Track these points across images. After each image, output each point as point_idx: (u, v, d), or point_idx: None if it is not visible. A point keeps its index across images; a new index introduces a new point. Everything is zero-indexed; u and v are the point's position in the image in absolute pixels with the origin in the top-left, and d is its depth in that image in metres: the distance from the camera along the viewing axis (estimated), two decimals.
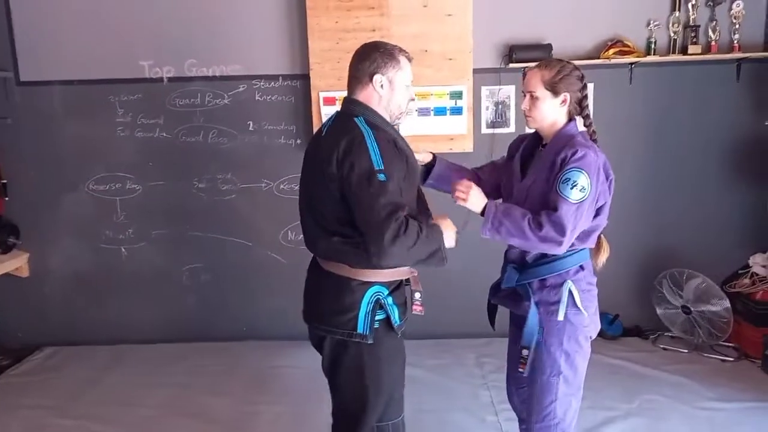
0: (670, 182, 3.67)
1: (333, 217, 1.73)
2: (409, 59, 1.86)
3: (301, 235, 3.58)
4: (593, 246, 1.94)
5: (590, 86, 3.41)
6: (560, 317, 1.84)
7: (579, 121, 1.89)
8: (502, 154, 3.35)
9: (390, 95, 1.81)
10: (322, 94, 3.46)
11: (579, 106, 1.88)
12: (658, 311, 3.57)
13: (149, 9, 3.55)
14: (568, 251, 1.83)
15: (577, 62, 3.28)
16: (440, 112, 3.47)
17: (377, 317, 1.76)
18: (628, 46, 3.44)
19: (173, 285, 3.82)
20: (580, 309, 1.85)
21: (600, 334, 3.36)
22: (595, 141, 1.89)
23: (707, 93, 3.56)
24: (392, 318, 1.78)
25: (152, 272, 3.81)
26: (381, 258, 1.63)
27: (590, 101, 3.17)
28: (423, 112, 3.46)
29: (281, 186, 3.71)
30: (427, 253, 1.69)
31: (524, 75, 1.94)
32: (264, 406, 2.93)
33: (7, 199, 3.70)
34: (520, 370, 1.89)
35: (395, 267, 1.75)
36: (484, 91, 3.59)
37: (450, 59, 3.41)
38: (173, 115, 3.67)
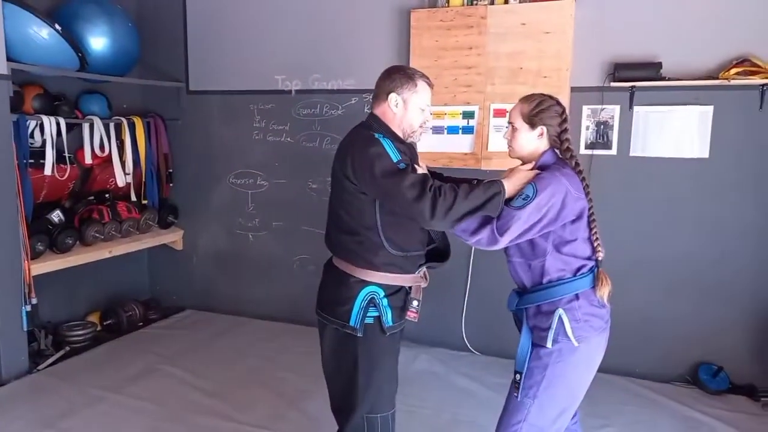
0: None
1: (345, 216, 1.92)
2: (429, 85, 2.01)
3: None
4: (589, 277, 1.89)
5: (709, 110, 3.17)
6: (548, 344, 1.86)
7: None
8: (600, 176, 3.28)
9: (403, 114, 1.96)
10: None
11: (558, 139, 1.93)
12: None
13: (285, 31, 4.10)
14: (561, 279, 1.87)
15: (693, 83, 3.09)
16: None
17: (369, 314, 1.91)
18: (758, 65, 3.04)
19: (285, 271, 4.34)
20: (570, 338, 1.84)
21: (701, 387, 3.14)
22: (578, 169, 1.90)
23: None
24: (383, 318, 1.92)
25: (270, 258, 4.37)
26: (433, 226, 1.82)
27: (707, 126, 3.19)
28: None
29: None
30: (473, 206, 1.78)
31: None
32: (325, 389, 3.22)
33: (171, 185, 4.56)
34: (514, 394, 1.93)
35: (452, 228, 1.84)
36: (585, 110, 3.45)
37: (545, 77, 3.36)
38: (297, 123, 4.18)
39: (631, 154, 3.38)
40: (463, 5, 3.50)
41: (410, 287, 1.99)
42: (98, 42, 3.75)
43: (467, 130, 3.56)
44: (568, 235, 1.85)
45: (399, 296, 1.97)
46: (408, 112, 1.95)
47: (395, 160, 1.82)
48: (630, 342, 3.40)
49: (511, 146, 1.97)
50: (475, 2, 3.48)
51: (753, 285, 3.22)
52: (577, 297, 1.86)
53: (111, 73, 3.91)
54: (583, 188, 1.88)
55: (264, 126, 4.28)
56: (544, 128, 1.90)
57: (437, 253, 2.09)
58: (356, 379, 1.95)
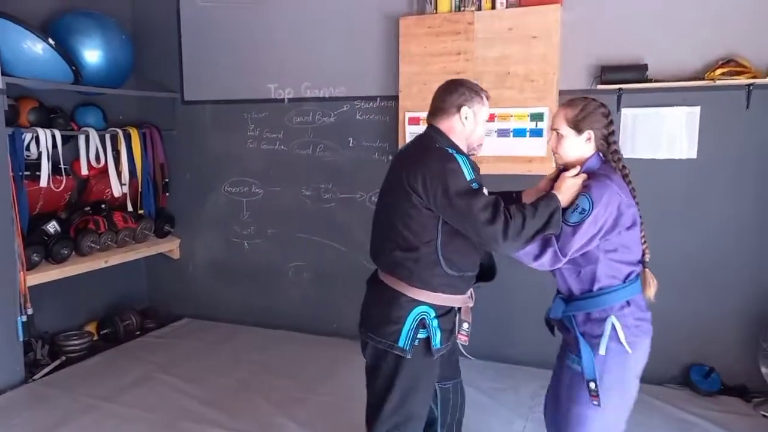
0: None
1: (404, 230, 1.85)
2: (488, 98, 2.00)
3: None
4: (637, 282, 1.89)
5: (696, 110, 3.18)
6: (601, 351, 1.83)
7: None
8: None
9: (473, 127, 1.95)
10: (408, 114, 3.68)
11: (605, 142, 1.90)
12: (763, 370, 3.07)
13: (277, 40, 4.15)
14: (611, 287, 1.84)
15: (679, 84, 3.10)
16: (520, 133, 3.45)
17: (419, 335, 1.86)
18: (743, 66, 3.04)
19: (281, 279, 4.36)
20: (623, 345, 1.82)
21: (692, 388, 3.14)
22: (624, 173, 1.89)
23: None
24: (432, 340, 1.87)
25: (266, 265, 4.40)
26: (503, 249, 1.78)
27: (695, 128, 3.14)
28: (502, 133, 3.48)
29: (373, 198, 4.01)
30: (541, 224, 1.77)
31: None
32: (316, 396, 3.25)
33: (167, 194, 4.60)
34: (594, 402, 1.86)
35: (519, 251, 1.82)
36: None
37: (532, 81, 3.38)
38: (290, 131, 4.21)
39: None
40: (450, 11, 3.53)
41: (459, 308, 1.96)
42: (92, 55, 3.81)
43: None
44: (621, 242, 1.82)
45: (449, 318, 1.92)
46: (478, 125, 1.95)
47: (469, 179, 1.79)
48: None
49: (557, 153, 1.93)
50: (462, 8, 3.51)
51: (744, 285, 3.21)
52: (628, 303, 1.84)
53: (105, 85, 3.96)
54: (630, 192, 1.86)
55: (258, 134, 4.32)
56: (591, 132, 1.87)
57: (484, 271, 2.05)
58: (388, 395, 1.91)
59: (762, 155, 3.15)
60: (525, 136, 3.44)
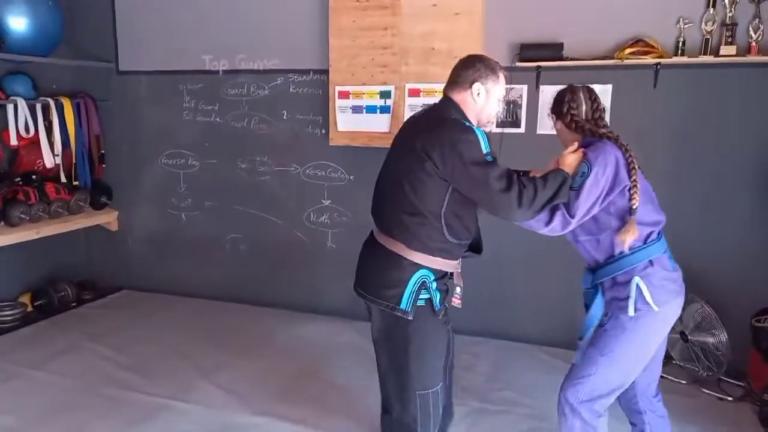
0: (698, 199, 3.31)
1: (411, 195, 1.89)
2: (507, 77, 2.06)
3: (321, 218, 3.95)
4: (659, 242, 1.97)
5: (608, 88, 3.31)
6: (630, 312, 1.91)
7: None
8: (510, 153, 3.40)
9: (485, 104, 1.99)
10: (338, 88, 3.73)
11: (575, 125, 2.05)
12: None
13: (211, 10, 4.13)
14: (632, 248, 1.93)
15: (592, 62, 3.22)
16: None
17: (421, 296, 1.92)
18: (651, 46, 3.18)
19: (218, 251, 4.41)
20: (650, 304, 1.90)
21: None
22: (615, 139, 1.99)
23: (747, 101, 3.14)
24: (434, 301, 1.94)
25: (203, 238, 4.44)
26: (515, 216, 1.86)
27: (608, 106, 3.25)
28: None
29: (307, 171, 4.08)
30: (551, 194, 1.87)
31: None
32: (242, 362, 3.34)
33: (104, 166, 4.57)
34: (573, 361, 2.03)
35: (532, 218, 1.91)
36: None
37: (455, 57, 3.39)
38: (226, 103, 4.22)
39: (539, 131, 3.51)
40: None
41: (452, 273, 2.03)
42: (17, 22, 3.74)
43: (384, 109, 3.65)
44: (628, 203, 1.91)
45: (443, 281, 2.00)
46: (489, 102, 1.99)
47: (485, 152, 1.85)
48: (529, 311, 3.64)
49: (561, 141, 2.14)
50: None
51: None
52: (651, 263, 1.93)
53: (33, 53, 3.90)
54: (626, 158, 1.93)
55: (193, 106, 4.32)
56: (557, 120, 2.09)
57: (472, 245, 2.13)
58: (408, 360, 1.97)
59: (668, 132, 3.31)
60: None
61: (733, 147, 3.20)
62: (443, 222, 1.90)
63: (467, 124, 1.91)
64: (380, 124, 3.68)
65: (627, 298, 1.91)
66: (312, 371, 3.24)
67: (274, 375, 3.17)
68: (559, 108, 2.09)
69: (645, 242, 1.94)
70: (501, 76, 2.01)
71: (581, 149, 1.99)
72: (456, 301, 2.02)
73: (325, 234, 4.10)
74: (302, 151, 4.07)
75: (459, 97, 1.99)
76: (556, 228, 1.93)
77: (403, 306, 1.90)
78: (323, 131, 3.95)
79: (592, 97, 2.06)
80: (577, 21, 3.35)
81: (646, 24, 3.23)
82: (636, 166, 1.93)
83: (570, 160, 1.97)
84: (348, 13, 3.63)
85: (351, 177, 3.99)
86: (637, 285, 1.90)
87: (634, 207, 1.91)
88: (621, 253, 1.93)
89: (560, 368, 3.23)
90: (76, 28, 4.38)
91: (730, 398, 2.98)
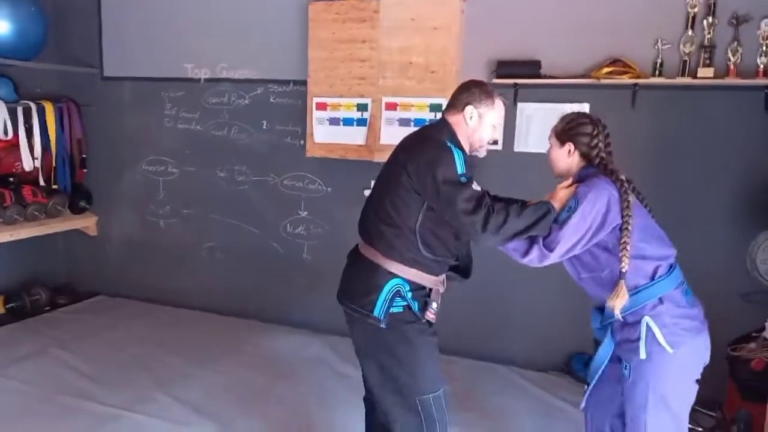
0: (674, 222, 3.20)
1: (390, 208, 1.91)
2: (504, 103, 2.06)
3: (298, 229, 3.90)
4: (669, 277, 1.86)
5: (585, 107, 3.26)
6: (642, 355, 1.80)
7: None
8: (487, 171, 3.34)
9: (477, 128, 1.98)
10: (316, 99, 3.70)
11: (588, 156, 1.96)
12: None
13: (194, 20, 4.13)
14: (638, 286, 1.83)
15: (569, 81, 3.18)
16: (420, 123, 3.48)
17: (396, 304, 1.90)
18: (628, 66, 3.13)
19: (195, 259, 4.37)
20: (663, 346, 1.79)
21: (573, 376, 3.25)
22: (614, 177, 1.89)
23: (727, 123, 3.08)
24: (413, 307, 1.92)
25: (180, 245, 4.41)
26: (482, 240, 1.83)
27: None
28: (404, 122, 3.52)
29: (285, 182, 4.05)
30: (524, 225, 1.82)
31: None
32: (204, 373, 3.29)
33: (85, 170, 4.56)
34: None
35: (502, 245, 1.89)
36: None
37: (432, 72, 3.43)
38: (207, 111, 4.21)
39: (516, 149, 3.47)
40: None
41: (431, 289, 1.99)
42: None
43: (361, 122, 3.62)
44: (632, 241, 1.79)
45: (421, 294, 1.96)
46: (481, 126, 1.99)
47: (459, 172, 1.84)
48: (513, 333, 3.55)
49: (551, 161, 2.05)
50: None
51: None
52: (661, 301, 1.81)
53: (14, 56, 3.90)
54: (620, 196, 1.82)
55: (175, 114, 4.31)
56: (572, 145, 1.96)
57: (460, 270, 2.11)
58: (399, 367, 1.93)
59: (645, 153, 3.25)
60: None
61: (710, 170, 3.14)
62: (418, 237, 1.91)
63: (448, 143, 1.90)
64: (356, 137, 3.65)
65: (637, 339, 1.80)
66: (273, 385, 3.18)
67: (234, 388, 3.12)
68: (575, 133, 1.96)
69: (653, 278, 1.82)
70: (497, 102, 2.00)
71: (575, 184, 1.91)
72: (430, 316, 1.97)
73: (300, 245, 4.06)
74: (281, 161, 4.04)
75: (453, 119, 2.00)
76: (533, 260, 1.85)
77: (375, 313, 1.89)
78: (302, 142, 3.92)
79: (593, 131, 1.96)
80: (555, 39, 3.31)
81: (624, 44, 3.19)
82: (630, 206, 1.80)
83: (562, 195, 1.92)
84: (327, 25, 3.61)
85: (329, 189, 3.95)
86: (647, 325, 1.79)
87: (623, 270, 1.78)
88: (627, 290, 1.80)
89: (532, 393, 3.19)
90: (63, 33, 4.40)
91: (700, 429, 2.89)
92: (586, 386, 1.91)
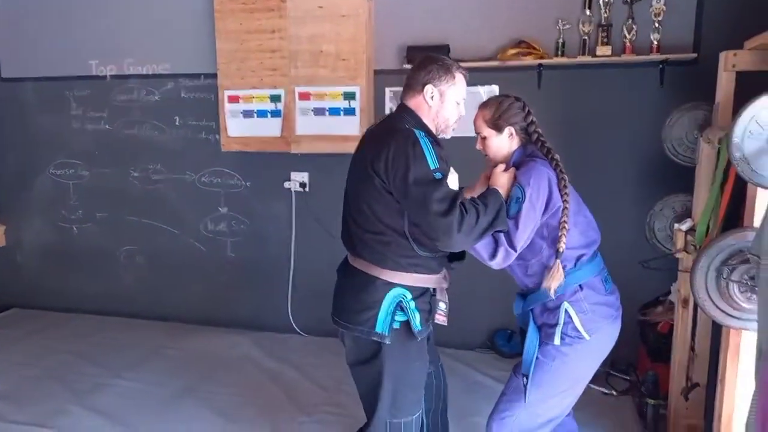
0: (583, 197, 3.35)
1: (369, 213, 1.77)
2: (465, 77, 1.90)
3: (220, 226, 3.79)
4: (590, 264, 1.87)
5: (495, 89, 3.32)
6: (556, 341, 1.82)
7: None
8: None
9: (439, 107, 1.85)
10: (227, 92, 3.61)
11: (526, 133, 1.93)
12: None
13: (95, 14, 3.94)
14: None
15: (478, 64, 3.22)
16: (335, 112, 3.47)
17: (397, 318, 1.78)
18: (533, 47, 3.22)
19: (113, 263, 4.20)
20: (580, 332, 1.80)
21: (497, 351, 3.31)
22: (550, 156, 1.87)
23: (627, 99, 3.22)
24: (412, 322, 1.79)
25: (96, 251, 4.22)
26: (454, 243, 1.68)
27: None
28: (318, 112, 3.49)
29: (202, 179, 3.94)
30: (490, 220, 1.71)
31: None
32: (122, 382, 3.17)
33: None
34: (524, 397, 1.89)
35: (470, 246, 1.76)
36: (388, 92, 3.54)
37: (344, 60, 3.41)
38: (115, 110, 4.04)
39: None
40: None
41: (434, 289, 1.89)
42: None
43: (275, 113, 3.56)
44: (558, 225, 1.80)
45: (425, 299, 1.85)
46: (444, 105, 1.85)
47: (432, 168, 1.69)
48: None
49: (488, 155, 1.96)
50: None
51: None
52: (581, 287, 1.82)
53: None
54: (557, 176, 1.82)
55: (82, 114, 4.11)
56: (511, 128, 1.90)
57: (455, 253, 1.98)
58: (381, 386, 1.82)
59: (553, 132, 3.26)
60: (340, 114, 3.46)
61: (613, 145, 3.27)
62: (408, 237, 1.78)
63: (417, 133, 1.74)
64: (272, 129, 3.58)
65: (556, 324, 1.82)
66: (196, 387, 3.10)
67: (154, 393, 3.02)
68: (510, 116, 1.91)
69: (575, 265, 1.83)
70: (458, 76, 1.86)
71: (512, 168, 1.88)
72: (440, 318, 1.87)
73: (224, 243, 3.96)
74: (197, 157, 3.92)
75: (413, 102, 1.85)
76: (500, 263, 1.80)
77: (378, 329, 1.76)
78: (217, 137, 3.82)
79: (524, 107, 1.94)
80: (462, 23, 3.36)
81: (527, 26, 3.27)
82: (567, 186, 1.82)
83: (504, 180, 1.83)
84: (234, 15, 3.53)
85: (247, 183, 3.88)
86: (566, 311, 1.81)
87: (561, 250, 1.78)
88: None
89: (458, 371, 3.24)
90: None
91: (614, 392, 3.03)
92: (524, 379, 1.87)
